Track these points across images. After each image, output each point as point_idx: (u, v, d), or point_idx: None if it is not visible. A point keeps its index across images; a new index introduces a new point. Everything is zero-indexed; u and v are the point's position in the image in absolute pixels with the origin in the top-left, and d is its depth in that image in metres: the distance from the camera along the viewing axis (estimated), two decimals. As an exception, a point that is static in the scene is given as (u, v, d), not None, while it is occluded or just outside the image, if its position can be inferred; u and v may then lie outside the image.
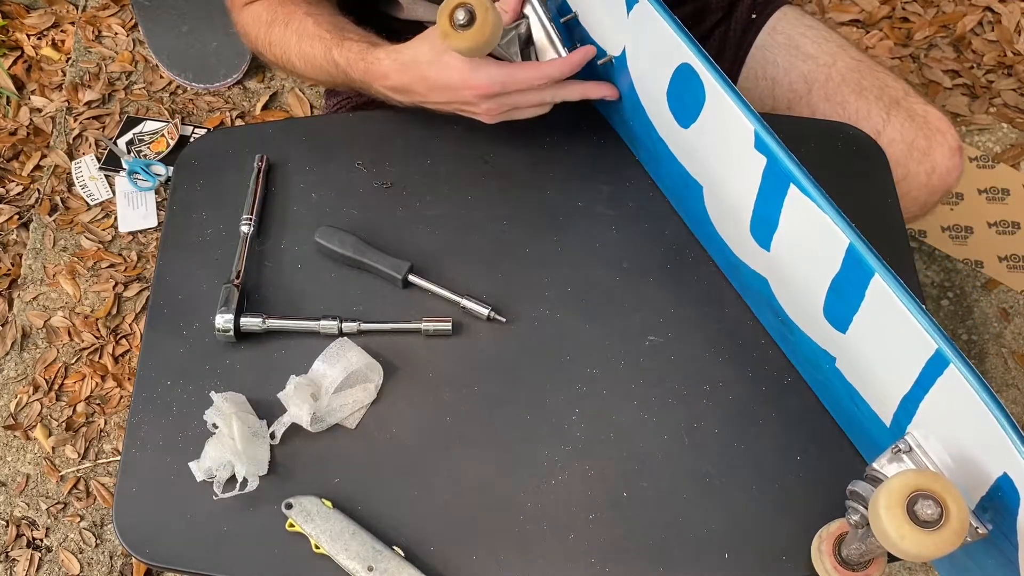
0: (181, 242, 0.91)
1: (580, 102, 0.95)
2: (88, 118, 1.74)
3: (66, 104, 1.76)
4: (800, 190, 0.68)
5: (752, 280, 0.82)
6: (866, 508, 0.65)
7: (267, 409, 0.81)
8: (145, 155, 1.67)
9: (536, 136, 0.95)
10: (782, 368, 0.83)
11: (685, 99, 0.77)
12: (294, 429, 0.80)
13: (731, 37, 1.12)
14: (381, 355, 0.83)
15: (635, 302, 0.87)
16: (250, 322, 0.84)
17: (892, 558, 0.70)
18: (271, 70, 1.80)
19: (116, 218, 1.64)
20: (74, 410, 1.48)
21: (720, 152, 0.77)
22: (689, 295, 0.87)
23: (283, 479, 0.79)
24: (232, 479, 0.77)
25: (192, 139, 1.69)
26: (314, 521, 0.75)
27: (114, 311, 1.56)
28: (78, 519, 1.40)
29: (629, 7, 0.78)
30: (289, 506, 0.76)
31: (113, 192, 1.66)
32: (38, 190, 1.69)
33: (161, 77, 1.78)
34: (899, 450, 0.66)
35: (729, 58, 1.12)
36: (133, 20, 1.83)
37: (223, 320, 0.83)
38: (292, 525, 0.76)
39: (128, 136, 1.69)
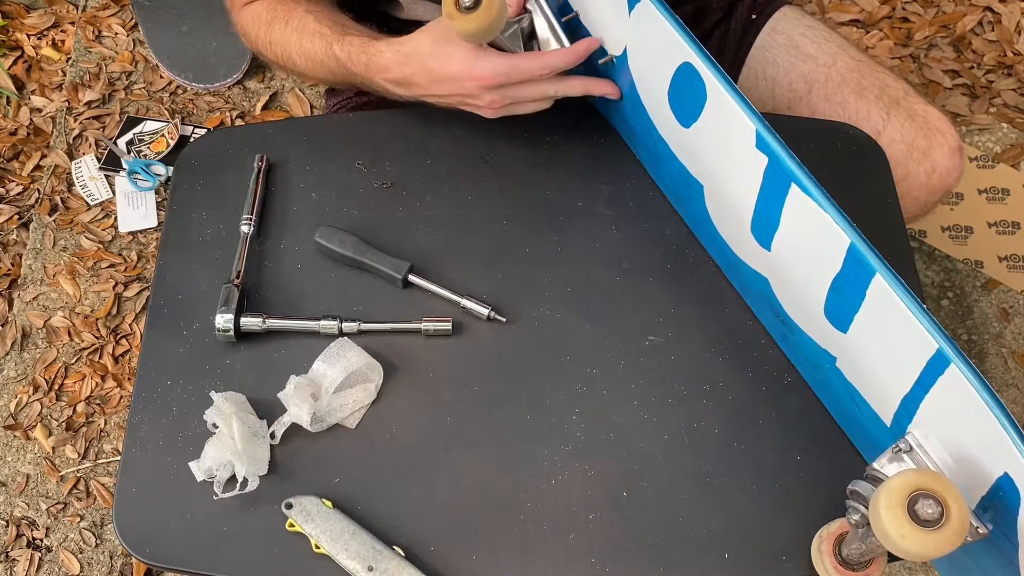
0: (181, 242, 0.91)
1: (581, 102, 0.95)
2: (88, 118, 1.75)
3: (66, 104, 1.76)
4: (801, 190, 0.68)
5: (753, 280, 0.82)
6: (866, 508, 0.65)
7: (267, 409, 0.81)
8: (145, 155, 1.67)
9: (536, 136, 0.95)
10: (782, 368, 0.83)
11: (686, 98, 0.77)
12: (294, 429, 0.80)
13: (731, 37, 1.12)
14: (381, 355, 0.83)
15: (635, 302, 0.87)
16: (250, 322, 0.84)
17: (892, 558, 0.70)
18: (271, 70, 1.80)
19: (116, 218, 1.64)
20: (74, 410, 1.48)
21: (721, 151, 0.77)
22: (689, 295, 0.87)
23: (283, 479, 0.79)
24: (232, 479, 0.77)
25: (192, 139, 1.69)
26: (314, 521, 0.75)
27: (114, 311, 1.56)
28: (78, 519, 1.40)
29: (631, 6, 0.78)
30: (289, 506, 0.76)
31: (113, 192, 1.66)
32: (38, 190, 1.69)
33: (161, 77, 1.78)
34: (899, 450, 0.66)
35: (729, 58, 1.12)
36: (133, 20, 1.83)
37: (223, 320, 0.83)
38: (292, 525, 0.76)
39: (128, 136, 1.69)
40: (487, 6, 0.75)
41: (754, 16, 1.12)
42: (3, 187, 1.71)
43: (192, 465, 0.78)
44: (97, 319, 1.54)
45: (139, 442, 0.81)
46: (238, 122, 1.74)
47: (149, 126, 1.70)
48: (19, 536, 1.39)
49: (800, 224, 0.70)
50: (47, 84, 1.81)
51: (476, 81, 0.82)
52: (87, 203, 1.65)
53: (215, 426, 0.79)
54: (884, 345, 0.68)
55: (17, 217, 1.68)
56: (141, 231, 1.63)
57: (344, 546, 0.74)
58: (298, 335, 0.85)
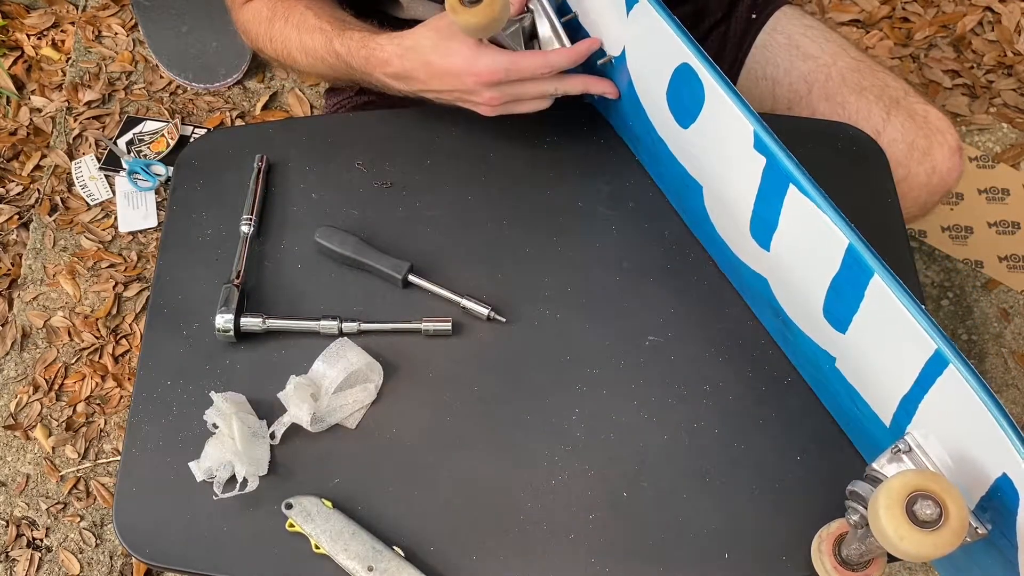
0: (181, 242, 0.91)
1: (580, 103, 0.95)
2: (88, 118, 1.74)
3: (66, 104, 1.76)
4: (799, 190, 0.68)
5: (752, 280, 0.82)
6: (866, 508, 0.65)
7: (267, 409, 0.81)
8: (145, 155, 1.67)
9: (536, 136, 0.95)
10: (782, 368, 0.83)
11: (685, 99, 0.77)
12: (294, 429, 0.80)
13: (731, 37, 1.12)
14: (381, 355, 0.83)
15: (635, 302, 0.87)
16: (250, 322, 0.84)
17: (892, 558, 0.70)
18: (271, 70, 1.80)
19: (116, 218, 1.64)
20: (74, 410, 1.48)
21: (720, 152, 0.77)
22: (689, 295, 0.87)
23: (283, 479, 0.79)
24: (232, 479, 0.77)
25: (192, 139, 1.69)
26: (314, 521, 0.75)
27: (114, 311, 1.56)
28: (78, 519, 1.40)
29: (629, 7, 0.78)
30: (289, 506, 0.76)
31: (113, 192, 1.66)
32: (38, 190, 1.69)
33: (161, 77, 1.78)
34: (899, 450, 0.67)
35: (729, 58, 1.12)
36: (133, 20, 1.83)
37: (223, 320, 0.83)
38: (292, 525, 0.76)
39: (128, 136, 1.69)
40: (490, 0, 0.75)
41: (754, 16, 1.12)
42: (3, 187, 1.71)
43: (192, 465, 0.78)
44: (97, 319, 1.54)
45: (139, 442, 0.81)
46: (238, 122, 1.74)
47: (149, 126, 1.70)
48: (19, 536, 1.39)
49: (798, 225, 0.70)
50: (47, 84, 1.81)
51: (476, 77, 0.82)
52: (87, 203, 1.65)
53: (215, 426, 0.79)
54: (883, 346, 0.68)
55: (17, 217, 1.68)
56: (141, 231, 1.63)
57: (344, 546, 0.74)
58: (298, 335, 0.85)
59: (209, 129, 1.71)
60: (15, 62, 1.84)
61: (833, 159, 0.94)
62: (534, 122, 0.89)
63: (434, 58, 0.83)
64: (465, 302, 0.85)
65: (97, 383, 1.50)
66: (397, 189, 0.94)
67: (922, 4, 1.82)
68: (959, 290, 1.54)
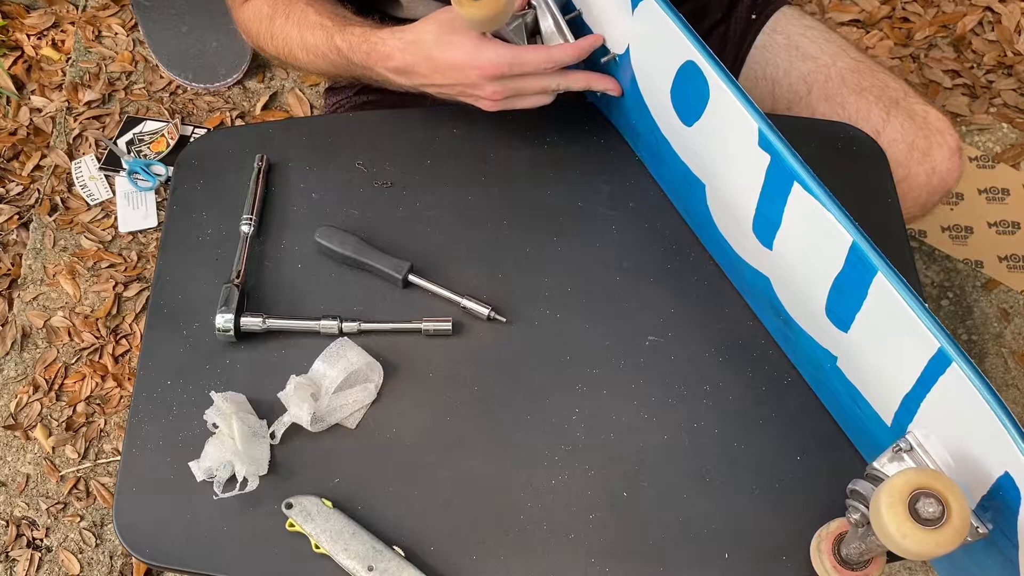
0: (181, 242, 0.91)
1: (582, 102, 0.95)
2: (88, 118, 1.74)
3: (66, 104, 1.76)
4: (804, 188, 0.68)
5: (754, 279, 0.82)
6: (867, 507, 0.65)
7: (267, 409, 0.81)
8: (145, 155, 1.67)
9: (536, 136, 0.95)
10: (782, 368, 0.83)
11: (689, 97, 0.77)
12: (294, 429, 0.80)
13: (731, 37, 1.12)
14: (381, 355, 0.83)
15: (635, 302, 0.86)
16: (250, 322, 0.84)
17: (891, 557, 0.70)
18: (271, 70, 1.80)
19: (116, 218, 1.63)
20: (74, 410, 1.48)
21: (723, 150, 0.77)
22: (689, 295, 0.87)
23: (283, 479, 0.79)
24: (232, 479, 0.77)
25: (192, 139, 1.69)
26: (314, 521, 0.75)
27: (114, 311, 1.56)
28: (78, 519, 1.40)
29: (634, 5, 0.78)
30: (289, 506, 0.76)
31: (113, 192, 1.66)
32: (38, 190, 1.69)
33: (161, 77, 1.78)
34: (900, 449, 0.66)
35: (729, 58, 1.12)
36: (133, 20, 1.83)
37: (223, 320, 0.83)
38: (292, 525, 0.76)
39: (128, 136, 1.69)
40: None
41: (754, 16, 1.11)
42: (3, 187, 1.71)
43: (192, 465, 0.78)
44: (97, 319, 1.54)
45: (139, 442, 0.81)
46: (238, 122, 1.74)
47: (149, 126, 1.70)
48: (19, 536, 1.39)
49: (802, 223, 0.70)
50: (47, 84, 1.81)
51: (479, 70, 0.82)
52: (87, 203, 1.65)
53: (215, 426, 0.79)
54: (885, 344, 0.68)
55: (17, 217, 1.67)
56: (141, 231, 1.63)
57: (344, 546, 0.74)
58: (298, 335, 0.85)
59: (209, 129, 1.71)
60: (15, 62, 1.84)
61: (833, 159, 0.94)
62: (534, 122, 0.89)
63: (437, 52, 0.83)
64: (465, 302, 0.85)
65: (97, 383, 1.50)
66: (397, 189, 0.94)
67: (922, 4, 1.83)
68: (959, 290, 1.54)
